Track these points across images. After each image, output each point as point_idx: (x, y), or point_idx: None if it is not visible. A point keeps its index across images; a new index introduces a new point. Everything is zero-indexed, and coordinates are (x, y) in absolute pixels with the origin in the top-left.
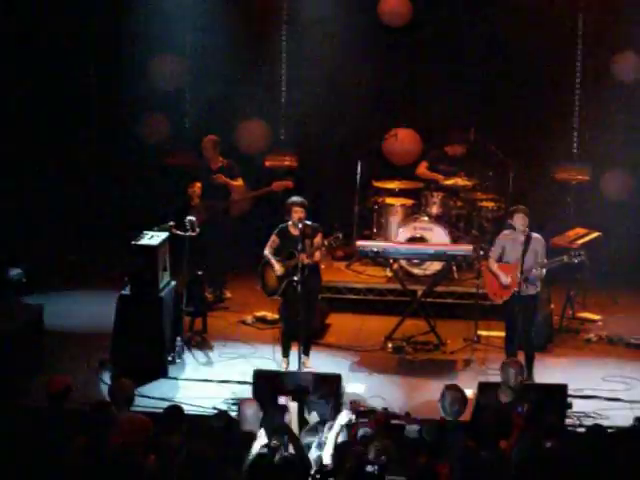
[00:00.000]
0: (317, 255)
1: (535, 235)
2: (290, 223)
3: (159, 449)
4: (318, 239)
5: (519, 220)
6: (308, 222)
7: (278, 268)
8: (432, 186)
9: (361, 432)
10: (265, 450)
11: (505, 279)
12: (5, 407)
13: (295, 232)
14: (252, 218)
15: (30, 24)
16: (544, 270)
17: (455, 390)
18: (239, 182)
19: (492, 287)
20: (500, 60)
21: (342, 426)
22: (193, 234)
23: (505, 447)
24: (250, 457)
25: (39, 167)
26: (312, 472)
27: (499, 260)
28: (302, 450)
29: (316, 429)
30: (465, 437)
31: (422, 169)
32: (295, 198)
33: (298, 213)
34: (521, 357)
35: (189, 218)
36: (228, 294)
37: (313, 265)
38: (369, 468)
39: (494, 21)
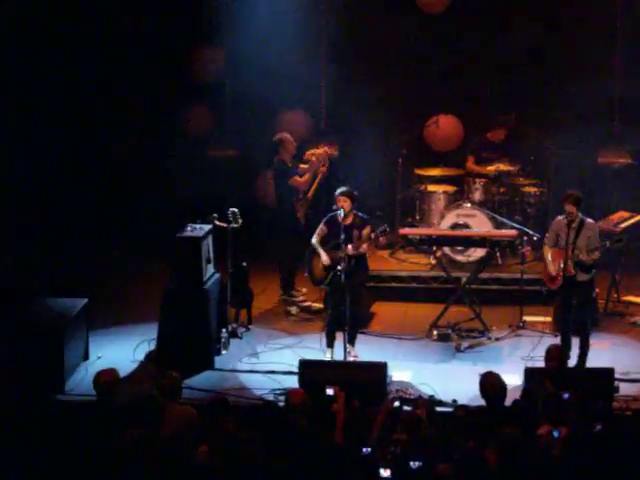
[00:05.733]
0: (364, 247)
1: (588, 220)
2: (338, 213)
3: (209, 440)
4: (366, 231)
5: (569, 207)
6: (359, 213)
7: (325, 258)
8: (474, 172)
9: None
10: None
11: (551, 270)
12: (52, 401)
13: (343, 222)
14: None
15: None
16: (594, 255)
17: (491, 376)
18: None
19: (547, 273)
20: (540, 44)
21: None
22: (236, 226)
23: (544, 433)
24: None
25: (77, 162)
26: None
27: (555, 245)
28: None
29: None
30: (504, 424)
31: (470, 165)
32: (341, 188)
33: (341, 202)
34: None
35: (232, 209)
36: (304, 290)
37: (360, 256)
38: (413, 465)
39: (534, 6)
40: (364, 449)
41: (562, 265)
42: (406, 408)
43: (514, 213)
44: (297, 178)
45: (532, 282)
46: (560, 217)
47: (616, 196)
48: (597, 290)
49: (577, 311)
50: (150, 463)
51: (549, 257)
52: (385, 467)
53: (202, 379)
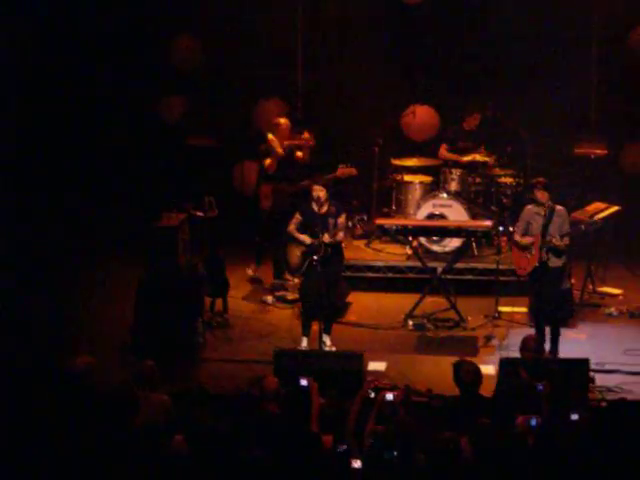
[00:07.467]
0: (340, 235)
1: (558, 207)
2: (313, 202)
3: (185, 429)
4: (342, 219)
5: (539, 194)
6: (333, 202)
7: (305, 237)
8: (450, 163)
9: (388, 397)
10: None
11: (526, 241)
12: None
13: (317, 211)
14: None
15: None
16: (565, 240)
17: (465, 363)
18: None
19: (518, 261)
20: (515, 34)
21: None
22: (212, 215)
23: (521, 422)
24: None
25: (60, 149)
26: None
27: (525, 234)
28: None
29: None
30: (479, 413)
31: (443, 152)
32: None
33: (317, 192)
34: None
35: (208, 198)
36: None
37: (336, 245)
38: (388, 455)
39: None
40: (340, 446)
41: (533, 251)
42: (382, 397)
43: (490, 203)
44: (267, 159)
45: (508, 273)
46: (530, 206)
47: (592, 187)
48: (573, 281)
49: (549, 298)
50: (125, 452)
51: (520, 239)
52: (357, 458)
53: (178, 368)
